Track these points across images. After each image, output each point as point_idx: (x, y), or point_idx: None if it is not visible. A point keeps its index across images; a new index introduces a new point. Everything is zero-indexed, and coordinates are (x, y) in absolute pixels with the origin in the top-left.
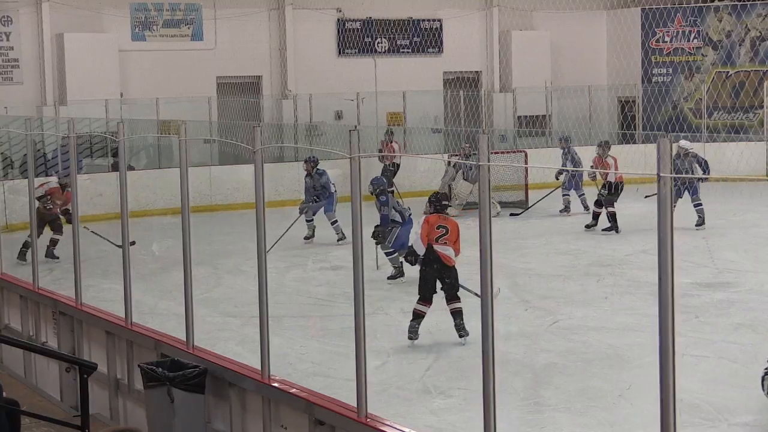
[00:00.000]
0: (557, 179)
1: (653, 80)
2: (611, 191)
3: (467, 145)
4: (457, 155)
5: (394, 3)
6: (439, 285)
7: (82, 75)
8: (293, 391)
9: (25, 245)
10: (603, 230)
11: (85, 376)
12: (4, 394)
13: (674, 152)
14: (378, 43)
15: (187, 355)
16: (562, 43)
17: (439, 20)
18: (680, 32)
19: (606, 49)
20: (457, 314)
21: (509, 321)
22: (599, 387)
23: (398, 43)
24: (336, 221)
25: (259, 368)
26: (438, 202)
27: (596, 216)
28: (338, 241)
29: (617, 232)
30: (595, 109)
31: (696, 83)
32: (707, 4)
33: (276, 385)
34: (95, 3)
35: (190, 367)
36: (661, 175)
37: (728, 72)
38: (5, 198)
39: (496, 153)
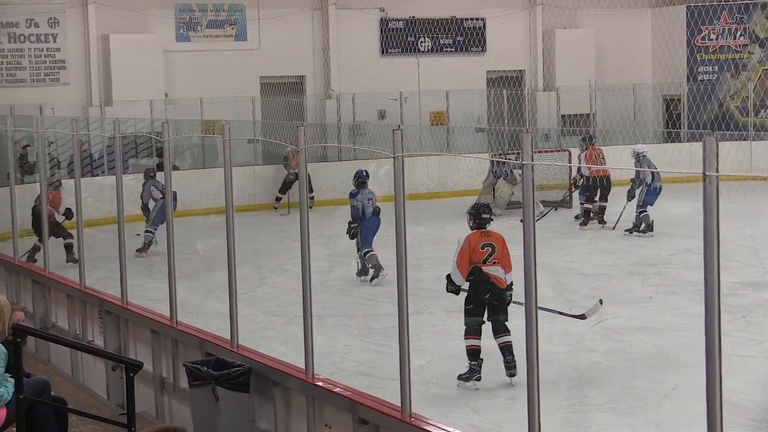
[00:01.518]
0: (576, 186)
1: (699, 78)
2: (592, 184)
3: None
4: (500, 155)
5: (437, 2)
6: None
7: (127, 76)
8: (337, 390)
9: (33, 248)
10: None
11: (131, 374)
12: (52, 392)
13: (632, 156)
14: (421, 42)
15: (232, 354)
16: (606, 41)
17: (482, 19)
18: (726, 29)
19: (651, 47)
20: (506, 349)
21: (553, 320)
22: (644, 387)
23: (441, 42)
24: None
25: (303, 367)
26: (478, 216)
27: (587, 212)
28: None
29: (584, 225)
30: (639, 108)
31: (742, 81)
32: (754, 1)
33: (320, 384)
34: (140, 4)
35: (235, 366)
36: (707, 173)
37: None
38: None
39: (539, 152)
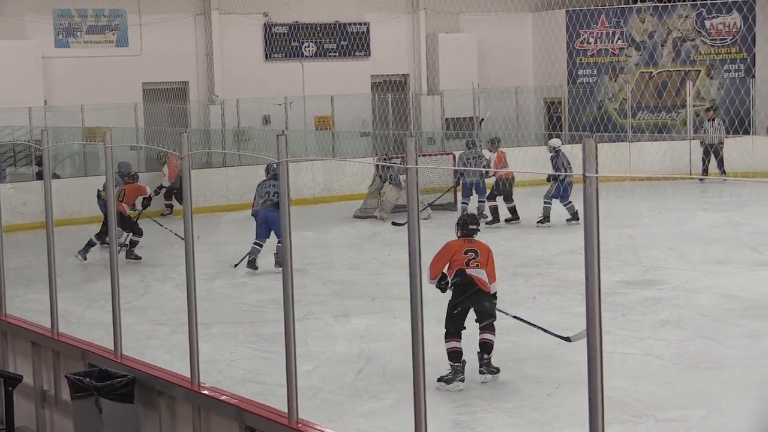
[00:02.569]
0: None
1: (578, 81)
2: (502, 186)
3: (395, 155)
4: (385, 159)
5: (321, 7)
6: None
7: (4, 83)
8: (223, 398)
9: None
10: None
11: (10, 388)
12: None
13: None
14: (305, 47)
15: (115, 364)
16: (488, 45)
17: (366, 24)
18: (604, 33)
19: (532, 50)
20: (487, 347)
21: (439, 323)
22: (529, 386)
23: (325, 47)
24: None
25: (189, 376)
26: (465, 227)
27: (495, 211)
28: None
29: (488, 224)
30: (521, 111)
31: (620, 84)
32: (630, 6)
33: (206, 392)
34: (17, 9)
35: (119, 377)
36: (587, 174)
37: (651, 72)
38: None
39: (423, 155)
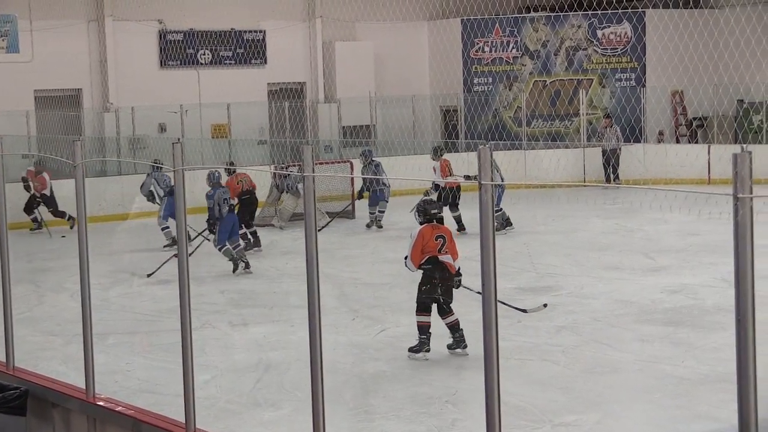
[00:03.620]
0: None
1: (474, 89)
2: (448, 194)
3: (291, 164)
4: (282, 167)
5: (217, 14)
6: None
7: None
8: (119, 409)
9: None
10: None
11: None
12: None
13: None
14: (201, 54)
15: (7, 376)
16: (385, 53)
17: (263, 31)
18: (499, 42)
19: (428, 59)
20: (454, 327)
21: (337, 331)
22: (427, 393)
23: (221, 54)
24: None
25: (84, 387)
26: (427, 212)
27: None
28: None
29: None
30: (418, 119)
31: (515, 92)
32: (524, 15)
33: (101, 403)
34: None
35: (10, 389)
36: (483, 183)
37: (545, 81)
38: None
39: (321, 163)
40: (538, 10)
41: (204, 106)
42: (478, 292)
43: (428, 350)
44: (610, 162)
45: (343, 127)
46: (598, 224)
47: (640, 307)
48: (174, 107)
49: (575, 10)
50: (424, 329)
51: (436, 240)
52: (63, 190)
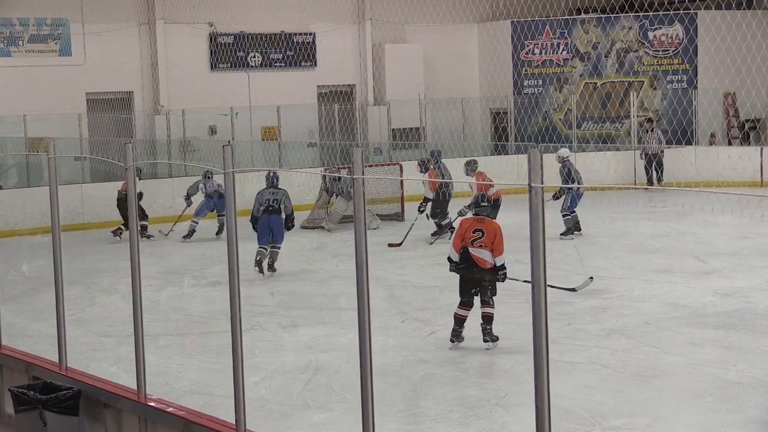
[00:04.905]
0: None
1: (524, 92)
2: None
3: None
4: (331, 169)
5: (267, 17)
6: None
7: None
8: (170, 410)
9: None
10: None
11: None
12: None
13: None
14: (251, 57)
15: (60, 377)
16: (434, 55)
17: (312, 34)
18: (549, 44)
19: (478, 61)
20: (487, 319)
21: (387, 333)
22: (477, 396)
23: (271, 57)
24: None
25: (135, 388)
26: (476, 204)
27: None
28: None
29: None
30: (467, 121)
31: (565, 94)
32: (574, 17)
33: (152, 404)
34: None
35: (63, 389)
36: (533, 185)
37: (596, 83)
38: None
39: (370, 166)
40: (588, 12)
41: (254, 109)
42: (525, 281)
43: (453, 340)
44: (652, 164)
45: (393, 129)
46: (648, 227)
47: (691, 311)
48: (224, 110)
49: (626, 12)
50: (456, 320)
51: (474, 233)
52: (115, 192)
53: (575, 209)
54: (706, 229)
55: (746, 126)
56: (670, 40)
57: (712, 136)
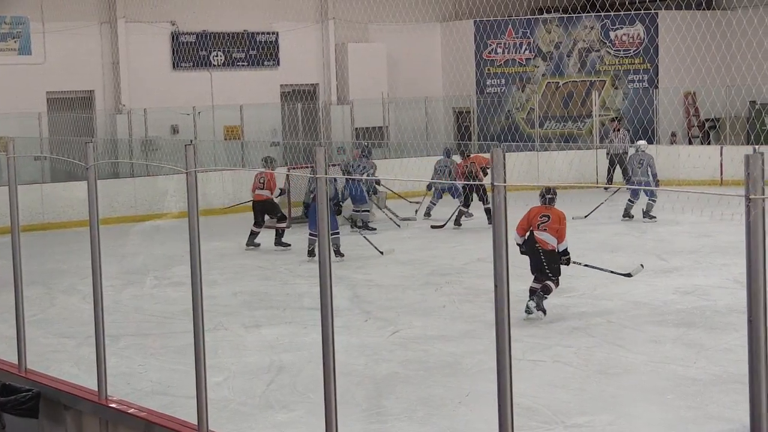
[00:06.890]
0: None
1: (487, 91)
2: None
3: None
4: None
5: (229, 16)
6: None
7: None
8: (131, 411)
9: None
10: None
11: None
12: None
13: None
14: (213, 56)
15: (20, 378)
16: (398, 55)
17: (275, 33)
18: (512, 44)
19: (441, 60)
20: (545, 288)
21: (350, 332)
22: (440, 395)
23: (234, 56)
24: None
25: (96, 389)
26: (543, 196)
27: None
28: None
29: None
30: (431, 120)
31: (528, 94)
32: (536, 17)
33: (113, 405)
34: None
35: (23, 391)
36: (496, 184)
37: (558, 82)
38: None
39: (334, 165)
40: (550, 12)
41: (216, 108)
42: (585, 265)
43: (527, 310)
44: (614, 165)
45: (356, 128)
46: (610, 226)
47: (653, 309)
48: (186, 109)
49: (588, 12)
50: (531, 293)
51: (541, 218)
52: (76, 192)
53: (636, 199)
54: (667, 228)
55: (706, 125)
56: (631, 40)
57: (673, 135)
